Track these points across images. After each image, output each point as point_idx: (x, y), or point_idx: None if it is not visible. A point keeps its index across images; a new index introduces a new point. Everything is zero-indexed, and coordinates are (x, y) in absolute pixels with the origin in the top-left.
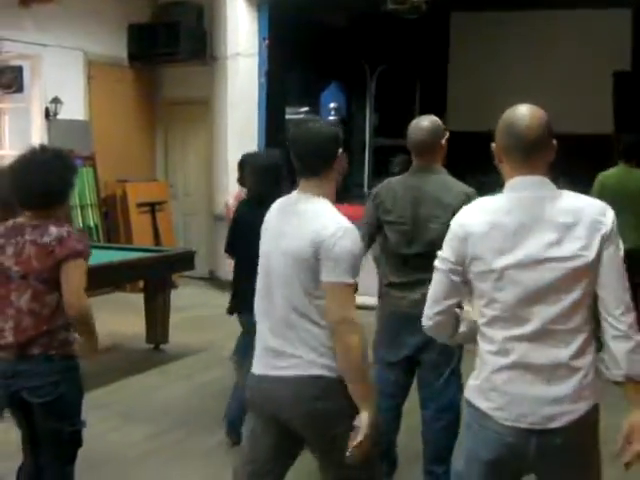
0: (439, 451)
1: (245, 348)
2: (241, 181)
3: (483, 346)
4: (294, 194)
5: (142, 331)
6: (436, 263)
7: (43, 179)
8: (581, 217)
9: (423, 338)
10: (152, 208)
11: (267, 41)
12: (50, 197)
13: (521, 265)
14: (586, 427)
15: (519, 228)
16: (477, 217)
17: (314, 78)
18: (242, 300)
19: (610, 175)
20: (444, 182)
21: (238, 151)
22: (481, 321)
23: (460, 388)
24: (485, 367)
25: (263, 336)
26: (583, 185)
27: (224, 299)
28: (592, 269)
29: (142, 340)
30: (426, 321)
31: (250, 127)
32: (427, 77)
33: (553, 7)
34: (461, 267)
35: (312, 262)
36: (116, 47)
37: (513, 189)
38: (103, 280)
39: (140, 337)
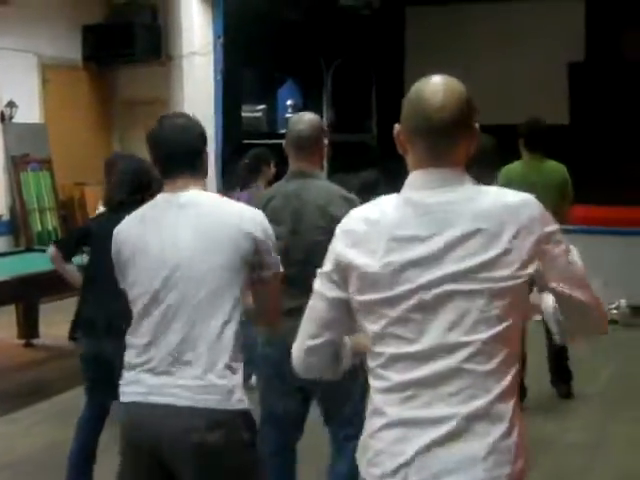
0: None
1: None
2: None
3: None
4: (164, 197)
5: None
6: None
7: None
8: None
9: None
10: None
11: (222, 39)
12: None
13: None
14: None
15: (413, 242)
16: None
17: (270, 75)
18: (88, 323)
19: (514, 169)
20: (327, 189)
21: None
22: (375, 362)
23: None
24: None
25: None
26: None
27: None
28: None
29: None
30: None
31: (207, 126)
32: (383, 71)
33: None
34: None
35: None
36: (70, 49)
37: (413, 188)
38: (65, 284)
39: None
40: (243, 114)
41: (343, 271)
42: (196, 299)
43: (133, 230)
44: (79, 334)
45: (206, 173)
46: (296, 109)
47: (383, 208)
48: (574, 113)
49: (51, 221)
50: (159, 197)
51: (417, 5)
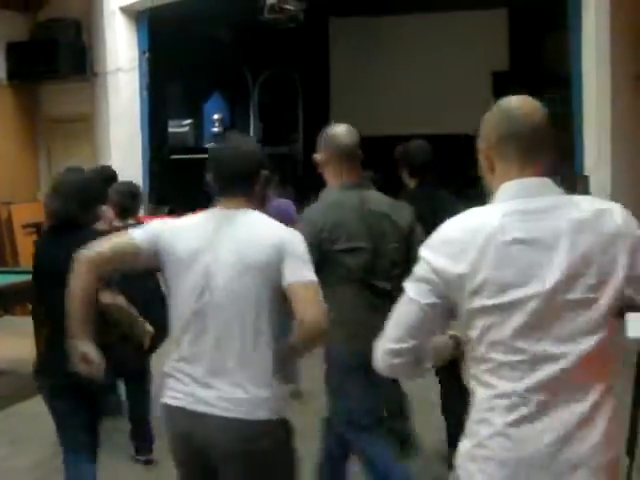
0: None
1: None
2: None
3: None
4: (218, 210)
5: (32, 355)
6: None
7: None
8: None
9: None
10: (38, 229)
11: (147, 54)
12: None
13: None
14: None
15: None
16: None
17: (197, 90)
18: (52, 361)
19: None
20: None
21: (123, 167)
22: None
23: None
24: None
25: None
26: (467, 185)
27: None
28: None
29: (31, 365)
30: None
31: (134, 142)
32: (309, 83)
33: (430, 11)
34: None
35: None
36: None
37: (515, 195)
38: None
39: (30, 361)
40: (169, 129)
41: (440, 279)
42: (232, 313)
43: (183, 237)
44: None
45: (257, 195)
46: (223, 123)
47: (483, 217)
48: None
49: None
50: (214, 210)
51: (340, 17)
